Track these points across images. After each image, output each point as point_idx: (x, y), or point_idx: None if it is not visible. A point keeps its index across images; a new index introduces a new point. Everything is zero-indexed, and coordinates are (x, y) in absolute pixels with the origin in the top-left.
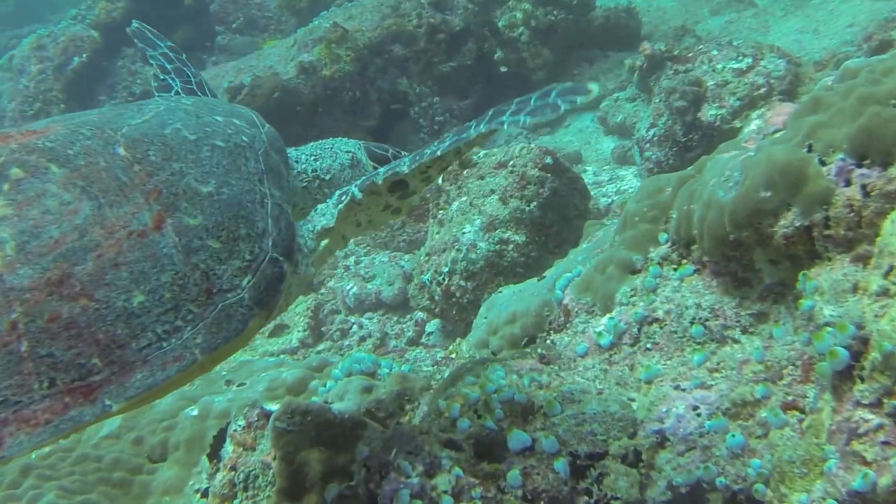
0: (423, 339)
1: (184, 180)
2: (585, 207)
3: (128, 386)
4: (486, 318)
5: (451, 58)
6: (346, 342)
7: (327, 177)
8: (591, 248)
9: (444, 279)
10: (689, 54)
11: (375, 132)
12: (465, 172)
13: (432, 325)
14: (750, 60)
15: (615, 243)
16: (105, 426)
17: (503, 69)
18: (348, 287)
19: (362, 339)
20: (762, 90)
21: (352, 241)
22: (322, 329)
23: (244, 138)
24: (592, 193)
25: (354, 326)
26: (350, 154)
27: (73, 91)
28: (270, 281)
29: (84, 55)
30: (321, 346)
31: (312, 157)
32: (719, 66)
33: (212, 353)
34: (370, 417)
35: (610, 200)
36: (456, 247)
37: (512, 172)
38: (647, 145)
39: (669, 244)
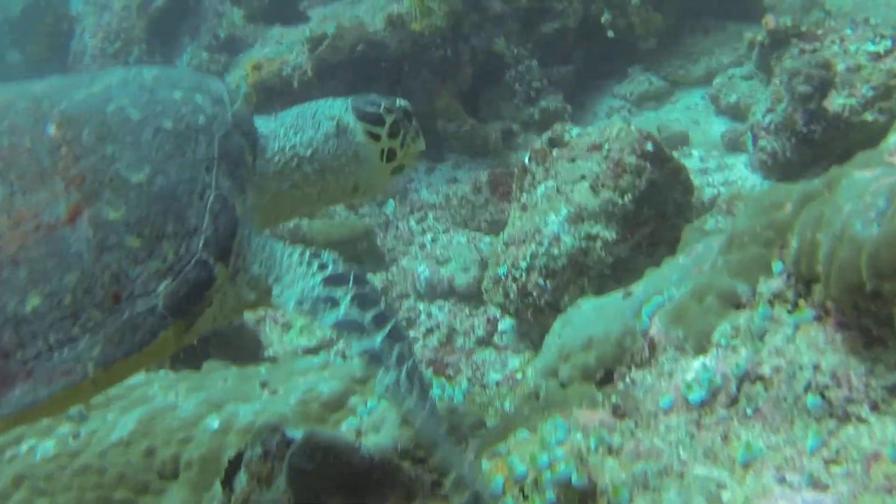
0: (496, 339)
1: (113, 166)
2: (687, 202)
3: (2, 402)
4: (559, 335)
5: (555, 18)
6: (412, 333)
7: (308, 151)
8: (688, 264)
9: (520, 275)
10: (819, 31)
11: (465, 95)
12: (554, 152)
13: (506, 323)
14: (889, 43)
15: (718, 266)
16: (117, 428)
17: (610, 34)
18: (420, 269)
19: (429, 330)
20: None
21: (430, 215)
22: None
23: (201, 119)
24: (696, 182)
25: (423, 315)
26: (334, 120)
27: (156, 30)
28: (193, 286)
29: None
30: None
31: (292, 130)
32: (852, 48)
33: (107, 367)
34: (407, 457)
35: (715, 192)
36: (537, 239)
37: (606, 157)
38: (762, 132)
39: (785, 277)
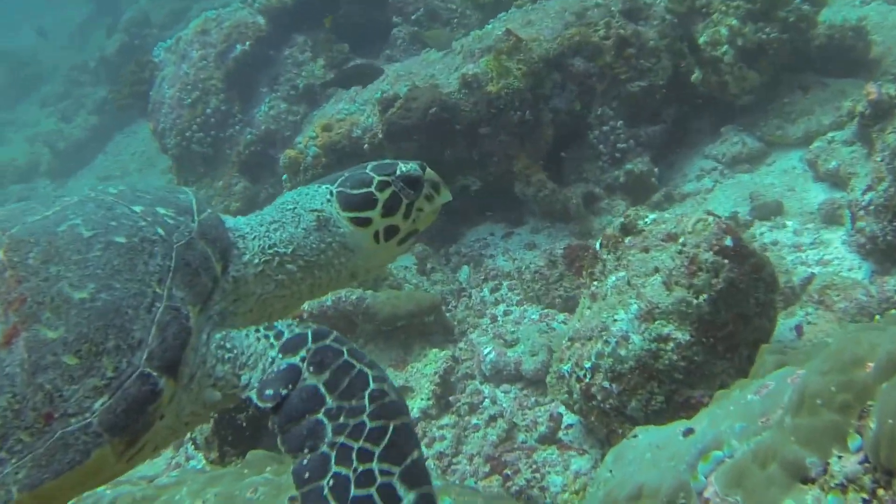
0: (560, 434)
1: (56, 286)
2: (770, 301)
3: None
4: (610, 471)
5: (642, 76)
6: (474, 420)
7: (289, 249)
8: (755, 406)
9: (585, 375)
10: None
11: (548, 157)
12: (626, 240)
13: (572, 417)
14: None
15: (785, 426)
16: None
17: (702, 90)
18: (486, 351)
19: (492, 418)
20: None
21: (505, 285)
22: (451, 398)
23: (159, 231)
24: (789, 259)
25: (487, 400)
26: (316, 214)
27: (234, 81)
28: (133, 402)
29: (247, 43)
30: (445, 420)
31: (273, 227)
32: None
33: (33, 490)
34: None
35: (809, 272)
36: (604, 337)
37: (681, 253)
38: (861, 213)
39: (862, 458)
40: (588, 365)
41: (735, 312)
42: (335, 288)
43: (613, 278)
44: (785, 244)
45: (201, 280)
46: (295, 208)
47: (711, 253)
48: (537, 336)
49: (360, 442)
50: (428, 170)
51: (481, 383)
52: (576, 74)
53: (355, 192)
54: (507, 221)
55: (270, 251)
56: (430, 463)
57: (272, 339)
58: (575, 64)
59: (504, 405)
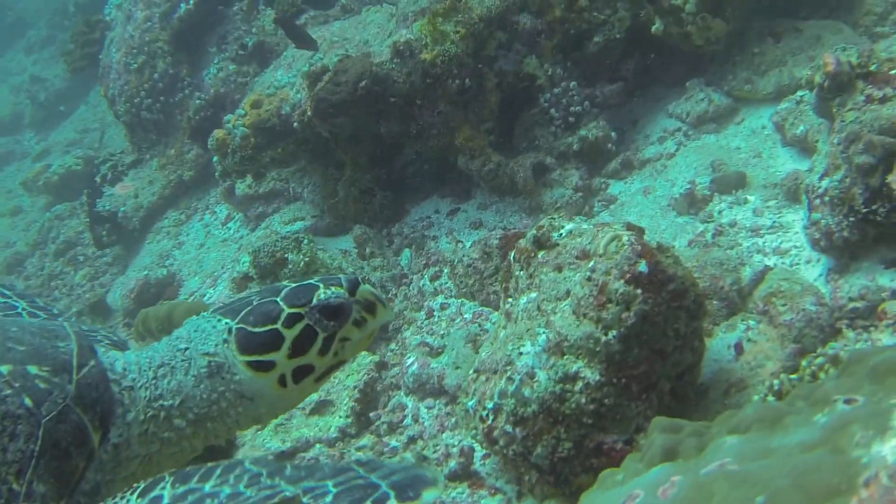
0: (478, 465)
1: None
2: (695, 330)
3: None
4: None
5: (597, 30)
6: (393, 441)
7: (176, 401)
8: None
9: (488, 416)
10: (892, 71)
11: (494, 126)
12: (540, 255)
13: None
14: None
15: None
16: None
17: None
18: (409, 362)
19: (412, 439)
20: None
21: (446, 272)
22: (371, 414)
23: (26, 401)
24: (745, 246)
25: (409, 418)
26: (208, 360)
27: (181, 42)
28: None
29: (192, 1)
30: (364, 441)
31: (161, 372)
32: None
33: None
34: None
35: (762, 266)
36: (508, 373)
37: (590, 280)
38: (818, 202)
39: None
40: (490, 405)
41: (651, 349)
42: (239, 430)
43: (524, 299)
44: (743, 226)
45: (71, 463)
46: (187, 349)
47: (622, 282)
48: (462, 345)
49: None
50: (363, 287)
51: (406, 395)
52: (522, 32)
53: (257, 330)
54: (455, 196)
55: (156, 404)
56: None
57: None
58: (521, 21)
59: (426, 423)
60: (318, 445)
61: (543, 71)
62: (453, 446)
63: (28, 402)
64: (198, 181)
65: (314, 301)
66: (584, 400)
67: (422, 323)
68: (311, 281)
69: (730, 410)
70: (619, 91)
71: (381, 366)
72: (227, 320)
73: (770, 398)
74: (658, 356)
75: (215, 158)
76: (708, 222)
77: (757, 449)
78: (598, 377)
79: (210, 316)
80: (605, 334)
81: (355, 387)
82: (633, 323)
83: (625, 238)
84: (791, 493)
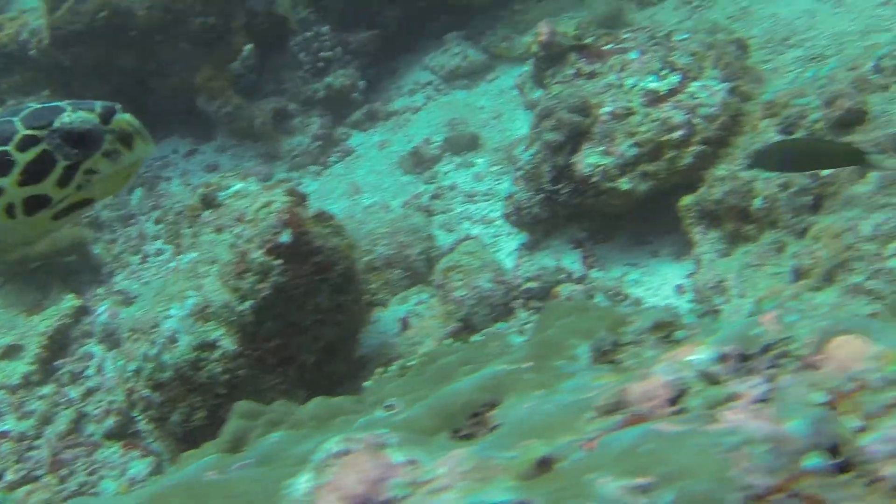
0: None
1: None
2: (344, 303)
3: None
4: None
5: None
6: (72, 392)
7: None
8: None
9: (129, 378)
10: (607, 46)
11: (243, 68)
12: (205, 214)
13: None
14: (677, 79)
15: None
16: None
17: None
18: (101, 310)
19: (90, 391)
20: (677, 134)
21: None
22: (58, 362)
23: None
24: (457, 211)
25: (92, 368)
26: None
27: None
28: None
29: None
30: (45, 390)
31: None
32: (629, 82)
33: None
34: None
35: (455, 237)
36: (153, 336)
37: (233, 246)
38: (517, 174)
39: None
40: (132, 367)
41: (286, 322)
42: None
43: (187, 259)
44: (462, 190)
45: None
46: None
47: (263, 252)
48: (152, 296)
49: None
50: (120, 115)
51: (98, 343)
52: None
53: None
54: (195, 137)
55: None
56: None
57: None
58: None
59: (107, 375)
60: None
61: (295, 13)
62: (114, 403)
63: None
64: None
65: (56, 124)
66: (218, 369)
67: (135, 268)
68: (60, 103)
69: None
70: (373, 38)
71: (83, 311)
72: None
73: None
74: (295, 330)
75: None
76: (430, 183)
77: (277, 452)
78: (234, 347)
79: None
80: (241, 304)
81: (45, 332)
82: (268, 295)
83: (275, 205)
84: None
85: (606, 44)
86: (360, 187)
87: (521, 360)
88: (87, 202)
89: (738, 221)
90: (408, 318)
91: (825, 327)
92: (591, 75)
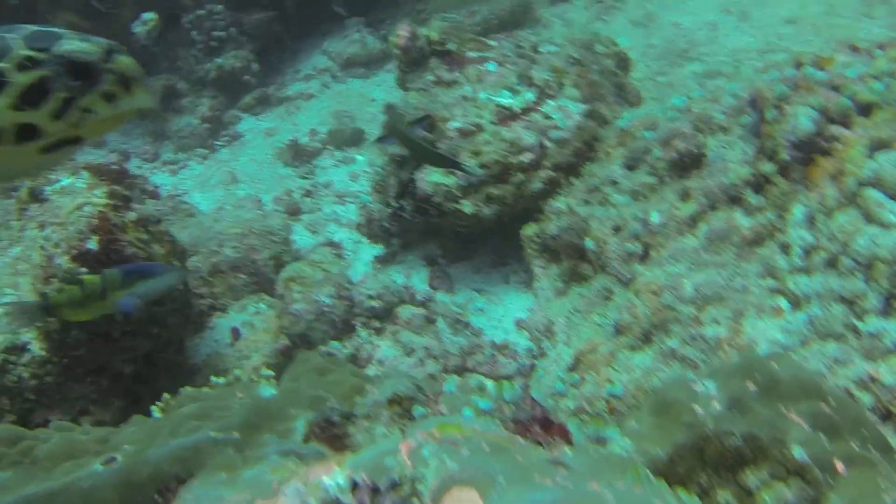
0: None
1: None
2: (153, 316)
3: None
4: None
5: None
6: None
7: None
8: None
9: None
10: (471, 53)
11: (127, 45)
12: (31, 208)
13: None
14: (532, 96)
15: None
16: None
17: None
18: None
19: None
20: (525, 157)
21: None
22: None
23: None
24: (325, 211)
25: None
26: None
27: None
28: None
29: None
30: None
31: None
32: (482, 95)
33: None
34: None
35: (317, 240)
36: None
37: (43, 248)
38: (372, 184)
39: None
40: None
41: (93, 332)
42: None
43: (11, 254)
44: (334, 189)
45: None
46: None
47: (68, 258)
48: None
49: None
50: (121, 57)
51: None
52: None
53: None
54: None
55: None
56: None
57: None
58: None
59: None
60: None
61: None
62: None
63: None
64: None
65: (56, 49)
66: (26, 374)
67: None
68: (55, 28)
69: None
70: (269, 20)
71: None
72: None
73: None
74: (102, 340)
75: None
76: (306, 178)
77: None
78: (42, 353)
79: None
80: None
81: None
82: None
83: (86, 208)
84: None
85: (470, 50)
86: (238, 177)
87: (232, 427)
88: (77, 141)
89: (574, 259)
90: (239, 329)
91: (451, 474)
92: (450, 84)
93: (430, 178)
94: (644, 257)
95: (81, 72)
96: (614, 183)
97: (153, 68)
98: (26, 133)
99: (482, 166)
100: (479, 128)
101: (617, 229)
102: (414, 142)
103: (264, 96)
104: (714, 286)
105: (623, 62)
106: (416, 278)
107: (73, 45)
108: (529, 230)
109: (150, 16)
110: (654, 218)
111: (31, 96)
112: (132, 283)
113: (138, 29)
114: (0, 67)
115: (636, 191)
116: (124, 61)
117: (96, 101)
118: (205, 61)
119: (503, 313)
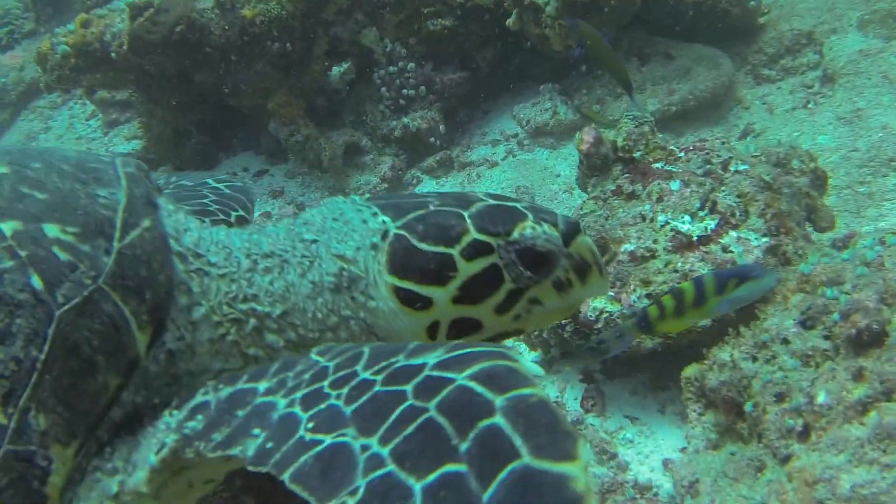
0: None
1: None
2: None
3: None
4: None
5: (451, 11)
6: None
7: (276, 310)
8: None
9: None
10: (657, 164)
11: (318, 94)
12: None
13: None
14: (713, 224)
15: None
16: None
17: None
18: None
19: None
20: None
21: None
22: None
23: (34, 282)
24: None
25: None
26: (340, 265)
27: None
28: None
29: None
30: None
31: (266, 264)
32: (661, 218)
33: None
34: None
35: None
36: None
37: None
38: None
39: None
40: None
41: None
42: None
43: None
44: None
45: (97, 381)
46: (315, 242)
47: None
48: None
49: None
50: (582, 238)
51: None
52: (367, 1)
53: (423, 246)
54: (270, 155)
55: (244, 306)
56: None
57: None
58: None
59: None
60: None
61: (382, 46)
62: None
63: (37, 281)
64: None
65: (515, 235)
66: None
67: None
68: (517, 204)
69: None
70: (463, 80)
71: None
72: (386, 218)
73: None
74: None
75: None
76: None
77: None
78: None
79: (362, 204)
80: None
81: None
82: None
83: None
84: None
85: (656, 161)
86: None
87: None
88: (517, 333)
89: (732, 415)
90: None
91: None
92: (630, 197)
93: (595, 303)
94: (804, 435)
95: (538, 260)
96: (786, 342)
97: (338, 119)
98: (465, 328)
99: (648, 297)
100: (653, 254)
101: (780, 397)
102: (608, 51)
103: (447, 159)
104: (874, 488)
105: (819, 180)
106: (569, 394)
107: (536, 230)
108: (688, 371)
109: (346, 63)
110: (822, 398)
111: (477, 289)
112: (728, 288)
113: (334, 72)
114: (447, 253)
115: (808, 355)
116: (584, 245)
117: (547, 291)
118: (391, 118)
119: (652, 448)
